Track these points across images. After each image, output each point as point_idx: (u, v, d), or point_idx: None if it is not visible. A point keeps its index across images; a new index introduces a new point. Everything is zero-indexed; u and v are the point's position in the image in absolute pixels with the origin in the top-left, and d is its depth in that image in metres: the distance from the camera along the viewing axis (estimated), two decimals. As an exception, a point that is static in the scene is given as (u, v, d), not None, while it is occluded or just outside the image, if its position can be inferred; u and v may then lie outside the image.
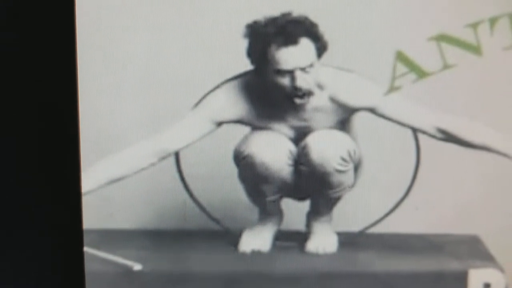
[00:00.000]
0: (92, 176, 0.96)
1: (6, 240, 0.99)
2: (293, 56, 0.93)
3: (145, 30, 0.94)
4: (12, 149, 0.98)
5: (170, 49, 0.95)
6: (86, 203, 0.96)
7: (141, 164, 0.96)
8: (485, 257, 0.98)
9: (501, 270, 0.96)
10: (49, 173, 0.97)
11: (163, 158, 0.97)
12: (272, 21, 0.93)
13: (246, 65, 0.95)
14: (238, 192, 0.98)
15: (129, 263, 0.96)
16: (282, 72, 0.94)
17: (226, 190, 0.97)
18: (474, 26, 0.93)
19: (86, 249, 0.96)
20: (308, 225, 1.00)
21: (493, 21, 0.93)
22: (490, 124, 0.96)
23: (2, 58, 0.95)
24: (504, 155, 0.96)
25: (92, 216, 0.97)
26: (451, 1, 0.94)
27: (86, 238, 0.96)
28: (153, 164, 0.97)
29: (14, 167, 0.98)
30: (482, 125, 0.96)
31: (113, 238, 0.99)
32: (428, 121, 0.96)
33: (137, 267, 0.96)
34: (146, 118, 0.96)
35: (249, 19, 0.94)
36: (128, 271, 0.96)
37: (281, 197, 0.99)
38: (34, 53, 0.96)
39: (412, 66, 0.95)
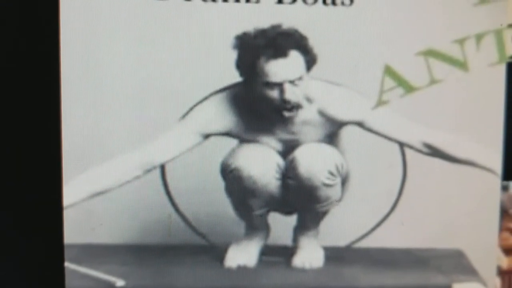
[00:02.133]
0: (74, 189, 0.94)
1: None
2: (282, 69, 0.93)
3: (132, 40, 0.93)
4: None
5: (158, 59, 0.93)
6: (68, 216, 0.94)
7: (125, 176, 0.94)
8: (469, 271, 0.99)
9: (484, 284, 0.98)
10: (30, 186, 0.95)
11: (148, 170, 0.95)
12: (262, 33, 0.93)
13: (234, 77, 0.94)
14: (224, 206, 0.96)
15: (111, 279, 0.94)
16: (271, 85, 0.93)
17: (213, 204, 0.96)
18: (461, 42, 0.95)
19: (67, 264, 0.94)
20: (295, 239, 0.99)
21: (479, 37, 0.95)
22: (476, 139, 0.97)
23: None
24: (489, 170, 0.97)
25: (74, 230, 0.94)
26: (438, 17, 0.95)
27: (67, 253, 0.94)
28: (137, 177, 0.95)
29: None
30: (467, 140, 0.97)
31: (95, 253, 0.96)
32: (415, 135, 0.97)
33: (120, 283, 0.94)
34: (131, 129, 0.94)
35: (239, 30, 0.93)
36: (110, 287, 0.94)
37: (268, 211, 0.98)
38: (17, 63, 0.94)
39: (400, 81, 0.95)
